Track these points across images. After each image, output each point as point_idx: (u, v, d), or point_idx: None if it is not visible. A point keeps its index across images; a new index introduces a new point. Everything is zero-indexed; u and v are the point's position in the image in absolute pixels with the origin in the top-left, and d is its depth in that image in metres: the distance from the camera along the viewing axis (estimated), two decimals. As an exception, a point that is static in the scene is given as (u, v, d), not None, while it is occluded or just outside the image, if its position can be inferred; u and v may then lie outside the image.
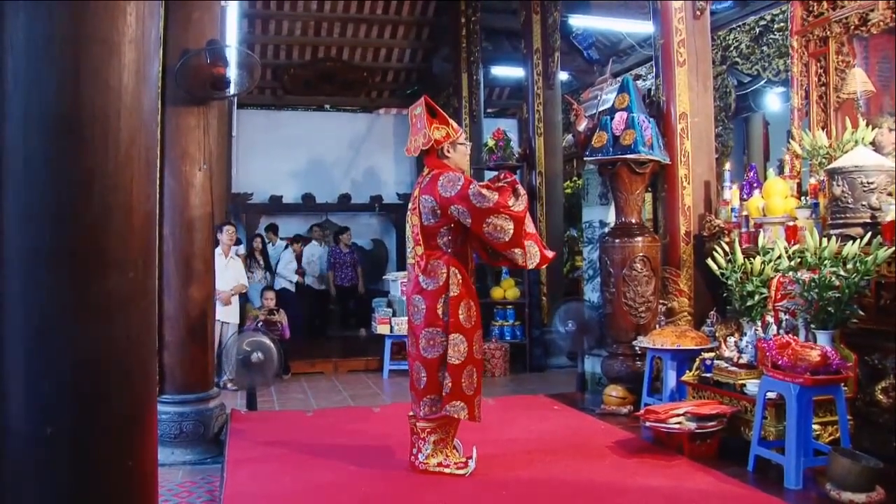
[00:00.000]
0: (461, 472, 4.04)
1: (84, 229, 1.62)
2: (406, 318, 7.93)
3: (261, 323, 7.77)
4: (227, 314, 7.46)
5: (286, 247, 10.60)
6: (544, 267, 4.92)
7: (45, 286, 1.59)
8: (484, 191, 3.94)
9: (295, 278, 10.25)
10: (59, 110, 1.60)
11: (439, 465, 4.08)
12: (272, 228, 11.21)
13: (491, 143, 8.68)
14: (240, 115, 12.10)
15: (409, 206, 4.23)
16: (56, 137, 1.59)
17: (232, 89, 5.29)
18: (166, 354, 5.11)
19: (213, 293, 5.54)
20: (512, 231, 3.97)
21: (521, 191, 4.07)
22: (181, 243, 5.14)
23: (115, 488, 1.67)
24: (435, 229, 4.08)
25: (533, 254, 4.10)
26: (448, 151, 4.19)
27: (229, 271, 7.51)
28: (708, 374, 4.75)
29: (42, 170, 1.59)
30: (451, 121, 4.30)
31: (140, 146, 1.72)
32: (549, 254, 4.21)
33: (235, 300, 7.80)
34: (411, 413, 4.19)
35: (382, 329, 8.20)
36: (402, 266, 12.77)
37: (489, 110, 13.17)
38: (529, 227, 4.11)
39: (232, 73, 5.15)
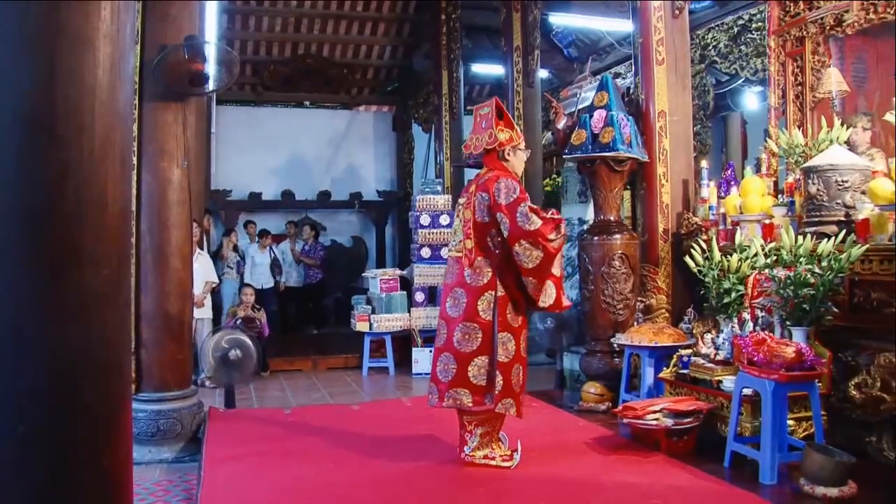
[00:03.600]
0: (507, 464, 4.11)
1: (58, 226, 1.60)
2: (385, 314, 8.07)
3: (239, 320, 7.74)
4: (200, 311, 7.40)
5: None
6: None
7: (17, 283, 1.57)
8: (532, 214, 4.02)
9: (265, 283, 10.15)
10: (32, 106, 1.58)
11: (485, 457, 4.14)
12: (263, 234, 10.49)
13: (471, 140, 8.66)
14: (219, 112, 12.03)
15: (462, 200, 4.30)
16: (29, 133, 1.57)
17: (210, 85, 5.26)
18: (143, 352, 5.06)
19: (191, 290, 5.50)
20: (539, 262, 4.04)
21: (563, 230, 4.15)
22: (158, 240, 5.09)
23: (89, 487, 1.66)
24: (486, 228, 4.14)
25: (549, 294, 4.17)
26: (508, 155, 4.28)
27: (196, 267, 7.45)
28: (685, 371, 4.78)
29: (15, 166, 1.57)
30: (515, 126, 4.40)
31: (115, 142, 1.70)
32: (566, 302, 4.30)
33: (207, 295, 7.77)
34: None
35: (362, 326, 8.17)
36: (381, 263, 12.76)
37: (469, 108, 13.11)
38: (556, 269, 4.18)
39: (210, 69, 5.12)
